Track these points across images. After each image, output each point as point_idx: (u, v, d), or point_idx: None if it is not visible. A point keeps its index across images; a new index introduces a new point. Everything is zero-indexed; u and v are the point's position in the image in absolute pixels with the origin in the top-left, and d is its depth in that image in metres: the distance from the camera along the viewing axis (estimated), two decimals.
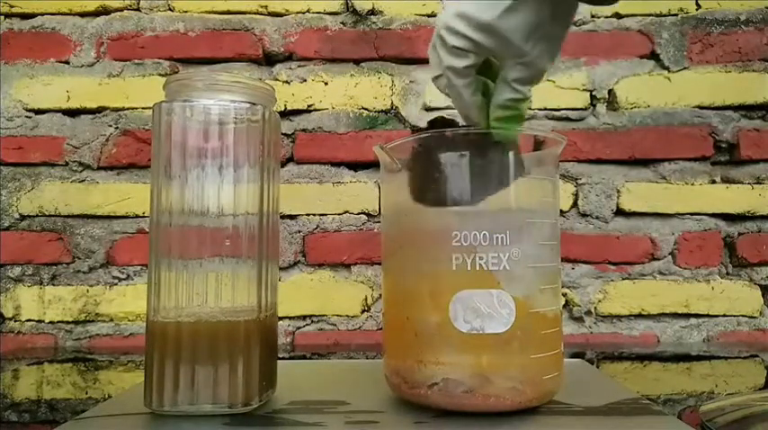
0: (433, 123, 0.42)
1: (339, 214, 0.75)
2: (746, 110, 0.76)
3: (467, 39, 0.36)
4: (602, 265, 0.75)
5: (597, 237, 0.75)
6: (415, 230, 0.41)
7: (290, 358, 0.64)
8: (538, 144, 0.41)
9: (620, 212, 0.75)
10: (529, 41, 0.36)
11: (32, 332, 0.74)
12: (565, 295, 0.75)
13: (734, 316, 0.75)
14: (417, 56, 0.76)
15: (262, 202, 0.41)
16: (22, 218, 0.75)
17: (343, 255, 0.75)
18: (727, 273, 0.75)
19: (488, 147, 0.39)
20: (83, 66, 0.76)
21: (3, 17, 0.76)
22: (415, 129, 0.41)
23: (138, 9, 0.77)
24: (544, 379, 0.39)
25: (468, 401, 0.38)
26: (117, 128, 0.75)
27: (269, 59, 0.77)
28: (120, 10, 0.76)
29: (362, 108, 0.76)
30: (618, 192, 0.75)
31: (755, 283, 0.75)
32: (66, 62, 0.76)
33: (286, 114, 0.76)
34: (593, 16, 0.76)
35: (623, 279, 0.75)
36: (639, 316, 0.75)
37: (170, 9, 0.77)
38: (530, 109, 0.75)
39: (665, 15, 0.76)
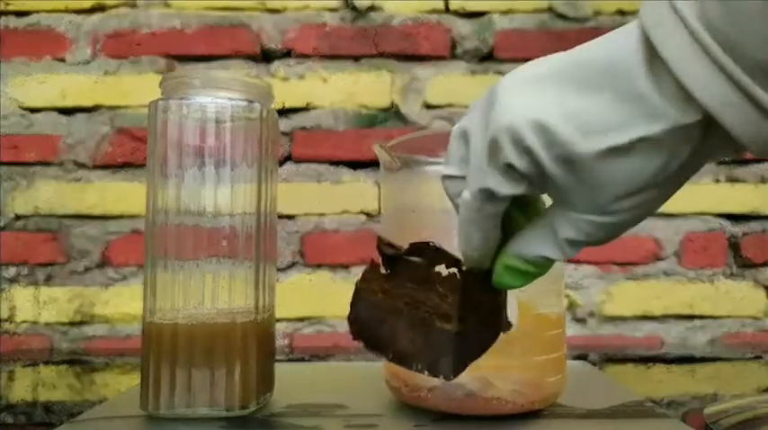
0: (416, 248, 0.30)
1: (338, 214, 0.74)
2: None
3: (535, 163, 0.24)
4: (606, 266, 0.75)
5: None
6: (415, 230, 0.40)
7: (288, 360, 0.64)
8: None
9: None
10: (623, 201, 0.24)
11: (27, 333, 0.74)
12: (568, 296, 0.74)
13: (738, 317, 0.74)
14: (418, 53, 0.75)
15: (259, 202, 0.41)
16: (17, 218, 0.74)
17: (342, 255, 0.74)
18: (732, 274, 0.75)
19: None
20: (78, 63, 0.75)
21: None
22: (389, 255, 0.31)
23: (134, 6, 0.76)
24: (547, 381, 0.39)
25: (469, 404, 0.37)
26: (112, 126, 0.75)
27: (267, 56, 0.76)
28: (116, 7, 0.76)
29: (362, 106, 0.75)
30: None
31: (760, 284, 0.75)
32: (62, 60, 0.75)
33: (284, 112, 0.75)
34: (595, 13, 0.76)
35: (627, 280, 0.74)
36: (643, 317, 0.74)
37: (166, 5, 0.76)
38: None
39: None
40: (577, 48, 0.25)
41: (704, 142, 0.23)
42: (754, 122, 0.21)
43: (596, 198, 0.24)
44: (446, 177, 0.27)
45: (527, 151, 0.24)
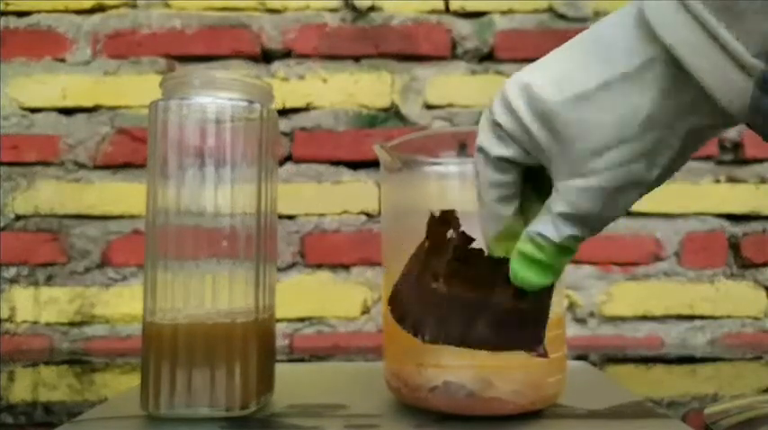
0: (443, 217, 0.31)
1: (338, 214, 0.74)
2: None
3: (517, 121, 0.25)
4: (606, 266, 0.74)
5: (601, 237, 0.74)
6: (415, 231, 0.40)
7: (289, 361, 0.63)
8: None
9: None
10: (599, 157, 0.24)
11: (27, 333, 0.73)
12: (568, 296, 0.74)
13: (738, 317, 0.74)
14: (418, 53, 0.75)
15: (259, 202, 0.41)
16: (18, 218, 0.74)
17: (343, 255, 0.74)
18: (732, 274, 0.75)
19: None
20: (78, 63, 0.75)
21: None
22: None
23: (134, 6, 0.76)
24: (547, 381, 0.39)
25: (469, 405, 0.37)
26: (112, 126, 0.75)
27: (267, 56, 0.76)
28: (117, 7, 0.76)
29: (362, 106, 0.75)
30: None
31: (760, 284, 0.74)
32: (62, 60, 0.75)
33: (284, 112, 0.75)
34: (596, 13, 0.76)
35: (627, 280, 0.74)
36: (644, 317, 0.74)
37: (166, 5, 0.76)
38: None
39: None
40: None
41: (688, 110, 0.23)
42: (719, 67, 0.21)
43: (572, 156, 0.24)
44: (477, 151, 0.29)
45: (510, 109, 0.26)
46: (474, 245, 0.30)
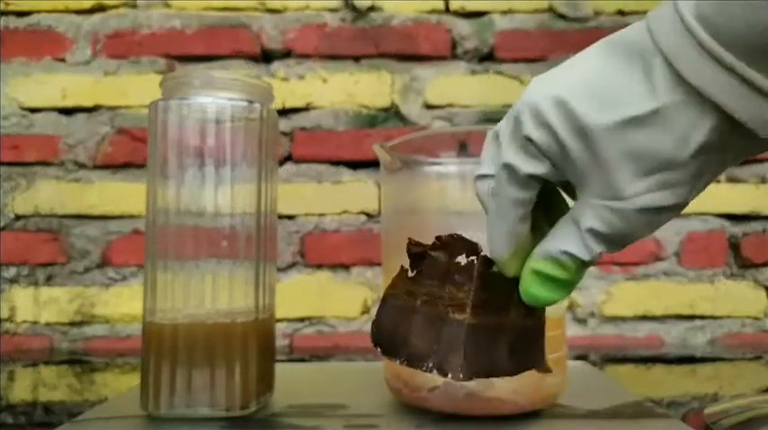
0: (440, 242, 0.28)
1: (338, 214, 0.74)
2: None
3: (553, 136, 0.24)
4: (607, 266, 0.74)
5: None
6: (415, 231, 0.40)
7: (289, 360, 0.64)
8: None
9: None
10: (642, 180, 0.23)
11: (27, 333, 0.73)
12: (568, 296, 0.74)
13: (738, 317, 0.74)
14: (418, 53, 0.75)
15: (259, 202, 0.41)
16: (17, 218, 0.74)
17: (343, 255, 0.74)
18: (732, 274, 0.75)
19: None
20: (78, 63, 0.75)
21: None
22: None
23: (134, 6, 0.76)
24: (547, 381, 0.39)
25: (469, 405, 0.37)
26: (112, 126, 0.75)
27: (267, 56, 0.76)
28: (116, 7, 0.76)
29: (362, 106, 0.75)
30: None
31: (760, 284, 0.74)
32: (62, 60, 0.75)
33: (284, 112, 0.75)
34: (596, 13, 0.76)
35: (627, 280, 0.74)
36: (643, 317, 0.74)
37: (166, 5, 0.76)
38: None
39: None
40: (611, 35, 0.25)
41: (727, 135, 0.23)
42: (755, 104, 0.21)
43: (611, 178, 0.23)
44: (478, 178, 0.27)
45: (545, 124, 0.24)
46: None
